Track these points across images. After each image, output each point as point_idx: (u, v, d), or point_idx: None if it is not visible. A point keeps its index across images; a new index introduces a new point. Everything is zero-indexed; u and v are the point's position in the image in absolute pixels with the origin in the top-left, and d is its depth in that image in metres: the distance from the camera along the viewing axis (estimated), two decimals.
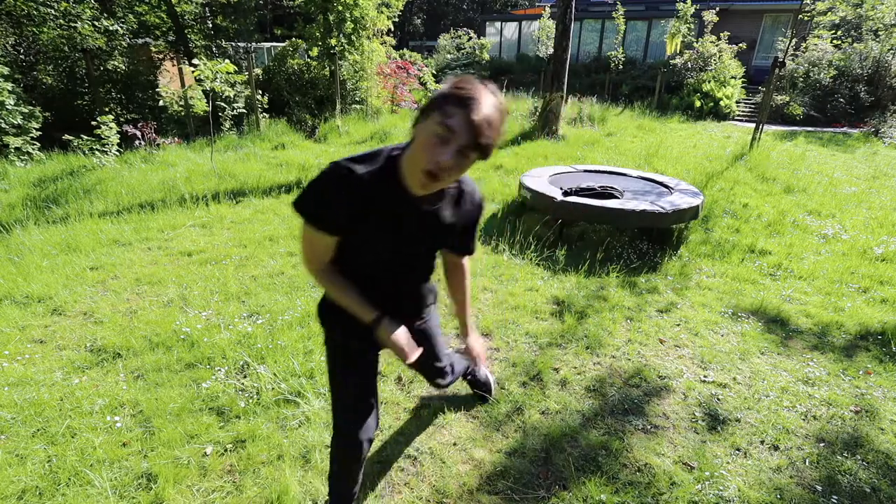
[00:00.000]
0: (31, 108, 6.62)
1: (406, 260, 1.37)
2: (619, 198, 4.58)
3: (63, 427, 2.13)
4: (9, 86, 6.34)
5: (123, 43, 9.78)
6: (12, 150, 6.18)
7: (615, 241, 4.39)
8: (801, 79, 13.85)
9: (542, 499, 1.90)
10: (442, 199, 1.29)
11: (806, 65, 13.84)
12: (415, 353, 1.34)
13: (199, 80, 6.72)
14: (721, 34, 14.54)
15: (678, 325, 3.19)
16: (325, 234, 1.24)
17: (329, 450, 1.65)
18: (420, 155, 1.09)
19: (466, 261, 1.63)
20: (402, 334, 1.35)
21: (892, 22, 13.14)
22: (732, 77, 14.30)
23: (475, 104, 1.04)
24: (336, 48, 10.44)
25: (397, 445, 2.12)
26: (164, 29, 11.13)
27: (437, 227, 1.32)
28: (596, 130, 10.27)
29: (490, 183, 6.09)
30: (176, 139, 7.87)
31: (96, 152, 6.16)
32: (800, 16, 12.80)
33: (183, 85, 9.19)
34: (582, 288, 3.59)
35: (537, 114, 9.86)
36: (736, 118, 13.90)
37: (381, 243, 1.28)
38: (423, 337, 1.58)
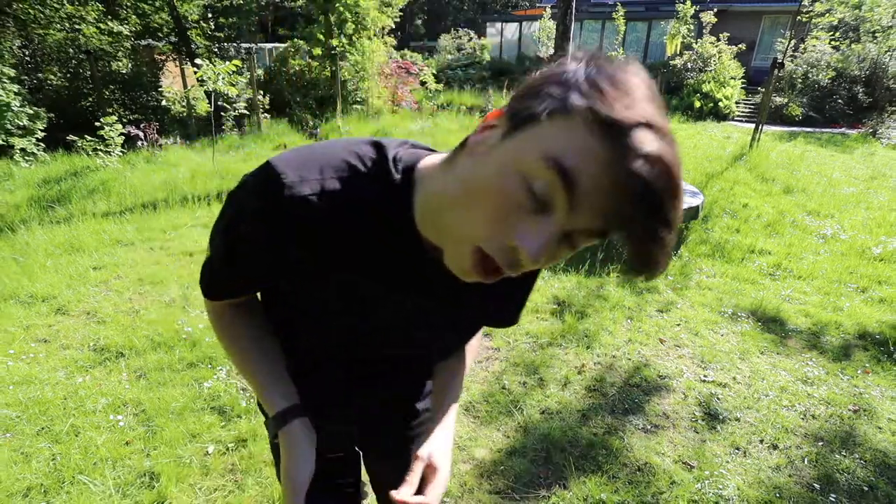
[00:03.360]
0: (36, 109, 6.64)
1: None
2: None
3: (67, 426, 2.15)
4: (15, 87, 6.37)
5: (127, 44, 9.81)
6: (17, 151, 6.20)
7: (615, 240, 4.40)
8: (800, 80, 13.85)
9: (543, 498, 1.91)
10: None
11: (804, 66, 13.84)
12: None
13: (201, 81, 6.74)
14: (720, 35, 14.54)
15: (678, 324, 3.20)
16: None
17: None
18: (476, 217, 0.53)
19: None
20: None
21: (890, 24, 13.14)
22: (732, 78, 14.30)
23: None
24: (337, 48, 10.47)
25: None
26: (166, 30, 11.17)
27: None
28: None
29: None
30: (178, 140, 7.89)
31: (100, 153, 6.17)
32: (798, 17, 12.80)
33: (185, 86, 9.21)
34: (582, 287, 3.61)
35: None
36: (735, 119, 13.89)
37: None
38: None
